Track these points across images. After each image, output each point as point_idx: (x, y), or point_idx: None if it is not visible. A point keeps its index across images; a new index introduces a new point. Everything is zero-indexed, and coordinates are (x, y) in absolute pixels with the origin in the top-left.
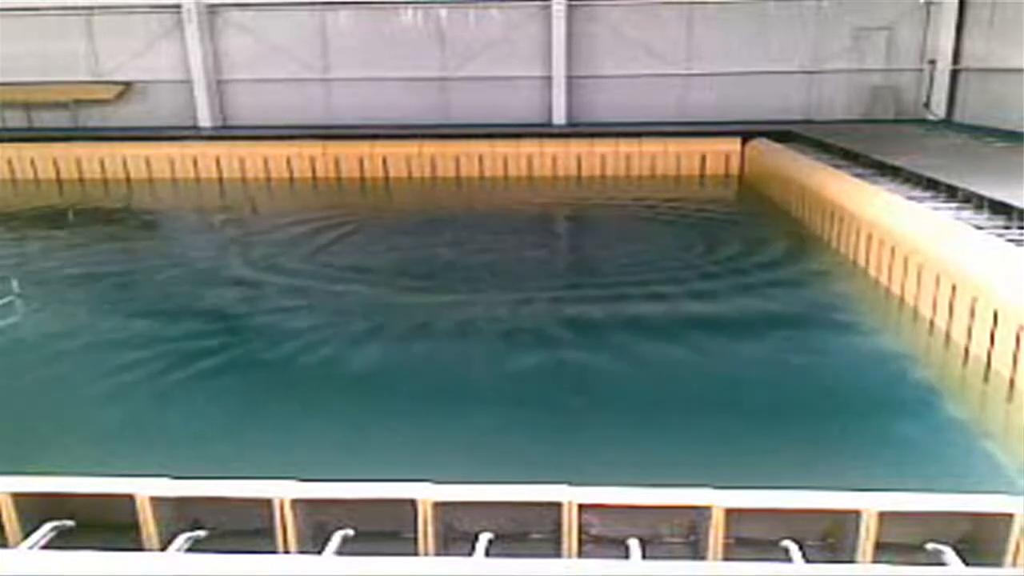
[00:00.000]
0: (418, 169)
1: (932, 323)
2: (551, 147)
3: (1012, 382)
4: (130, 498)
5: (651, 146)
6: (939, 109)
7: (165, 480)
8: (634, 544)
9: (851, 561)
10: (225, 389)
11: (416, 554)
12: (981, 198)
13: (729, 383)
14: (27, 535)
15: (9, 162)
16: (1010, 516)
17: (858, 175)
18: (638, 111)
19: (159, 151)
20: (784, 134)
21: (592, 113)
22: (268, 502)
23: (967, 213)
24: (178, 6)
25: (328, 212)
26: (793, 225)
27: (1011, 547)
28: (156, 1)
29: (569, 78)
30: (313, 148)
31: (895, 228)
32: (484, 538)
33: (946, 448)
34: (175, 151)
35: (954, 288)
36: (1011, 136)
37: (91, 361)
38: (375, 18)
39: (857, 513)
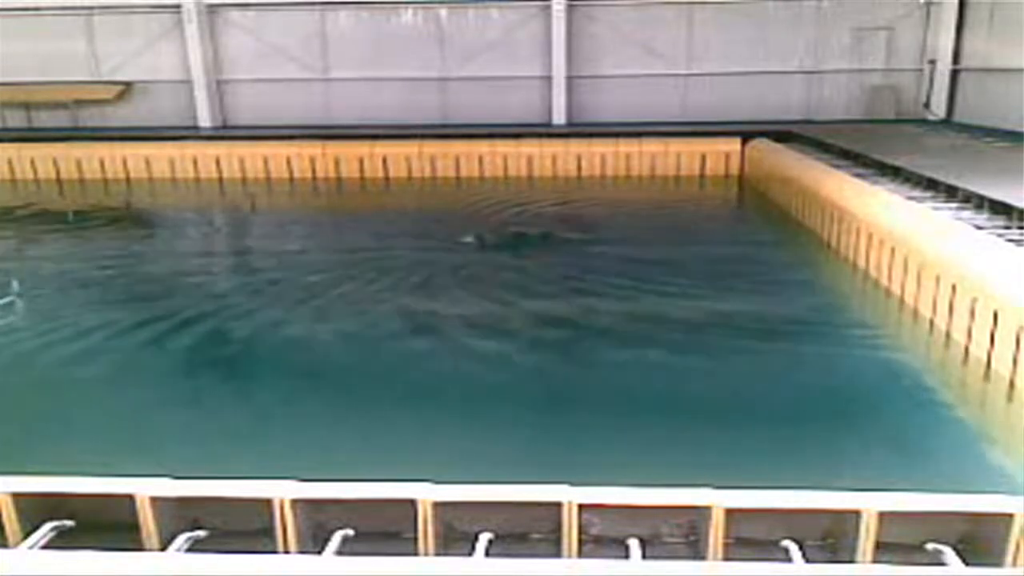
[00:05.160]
0: (418, 169)
1: (932, 323)
2: (551, 147)
3: (1012, 382)
4: (130, 498)
5: (651, 146)
6: (939, 109)
7: (165, 480)
8: (634, 544)
9: (851, 561)
10: (217, 385)
11: (416, 554)
12: (981, 198)
13: (727, 384)
14: (27, 535)
15: (9, 162)
16: (1010, 516)
17: (858, 175)
18: (638, 111)
19: (159, 151)
20: (784, 134)
21: (592, 113)
22: (268, 502)
23: (967, 213)
24: (178, 6)
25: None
26: (793, 225)
27: (1011, 547)
28: (156, 1)
29: (569, 78)
30: (313, 148)
31: (895, 228)
32: (484, 538)
33: (946, 448)
34: (175, 151)
35: (954, 288)
36: (1011, 136)
37: (91, 360)
38: (375, 18)
39: (857, 513)
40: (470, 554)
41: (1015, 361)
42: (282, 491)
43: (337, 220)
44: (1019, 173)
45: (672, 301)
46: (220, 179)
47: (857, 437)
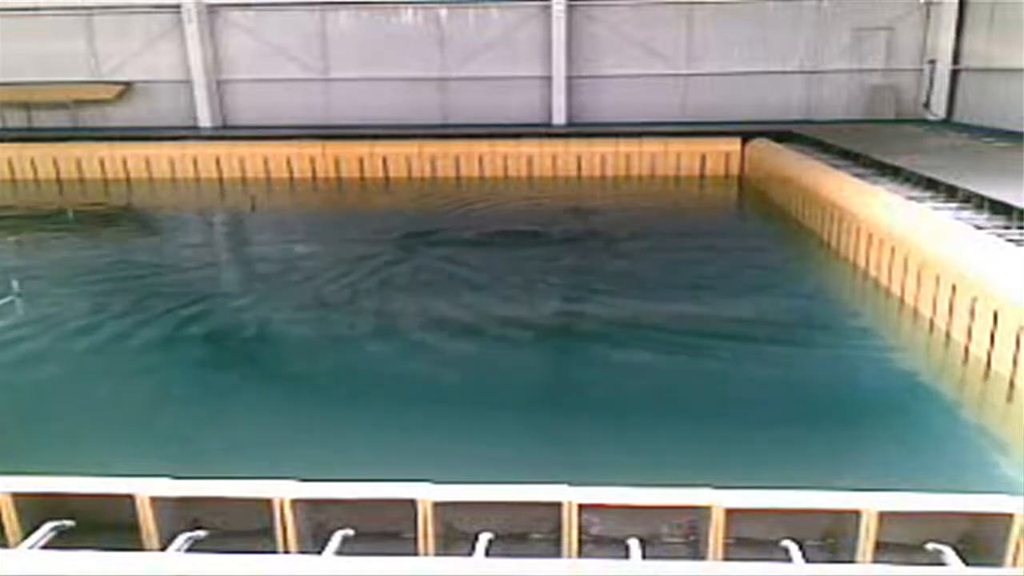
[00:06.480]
0: (418, 169)
1: (932, 323)
2: (551, 147)
3: (1012, 382)
4: (130, 498)
5: (651, 146)
6: (939, 109)
7: (165, 480)
8: (634, 544)
9: (851, 561)
10: (221, 379)
11: (416, 554)
12: (981, 198)
13: (726, 383)
14: (27, 535)
15: (9, 162)
16: (1010, 516)
17: (858, 175)
18: (638, 111)
19: (159, 151)
20: (784, 134)
21: (592, 113)
22: (268, 502)
23: (967, 213)
24: (178, 6)
25: None
26: (793, 225)
27: (1011, 547)
28: (156, 1)
29: (569, 78)
30: (313, 148)
31: (895, 228)
32: (484, 538)
33: (946, 448)
34: (175, 151)
35: (954, 288)
36: (1011, 136)
37: (91, 360)
38: (375, 18)
39: (857, 513)
40: (470, 554)
41: (1015, 361)
42: (282, 491)
43: (336, 220)
44: (1019, 173)
45: (672, 300)
46: (220, 179)
47: (857, 437)
